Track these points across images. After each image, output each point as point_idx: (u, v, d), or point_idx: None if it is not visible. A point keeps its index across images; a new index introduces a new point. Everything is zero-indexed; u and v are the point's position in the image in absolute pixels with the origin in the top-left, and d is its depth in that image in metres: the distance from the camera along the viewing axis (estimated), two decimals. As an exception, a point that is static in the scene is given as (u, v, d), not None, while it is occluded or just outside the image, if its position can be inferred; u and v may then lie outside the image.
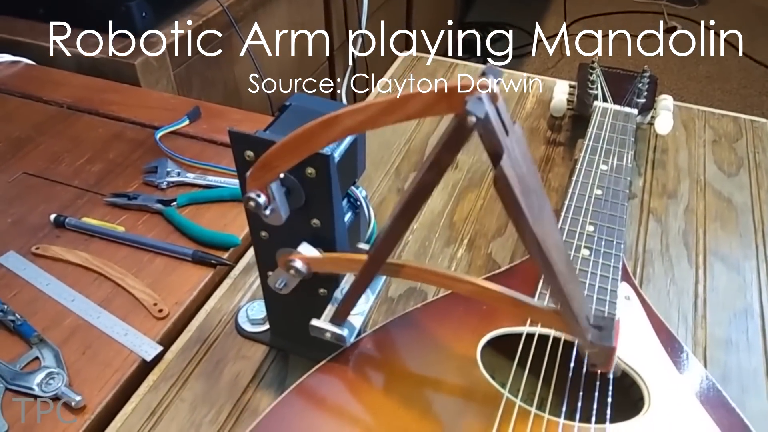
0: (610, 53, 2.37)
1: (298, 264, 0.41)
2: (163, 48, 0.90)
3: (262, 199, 0.39)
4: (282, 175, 0.40)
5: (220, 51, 1.03)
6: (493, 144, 0.32)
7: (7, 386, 0.50)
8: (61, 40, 0.91)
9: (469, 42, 2.46)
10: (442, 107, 0.31)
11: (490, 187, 0.71)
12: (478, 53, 2.42)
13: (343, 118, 0.34)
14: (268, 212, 0.40)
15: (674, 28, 2.55)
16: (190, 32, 0.95)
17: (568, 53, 2.45)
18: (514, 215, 0.33)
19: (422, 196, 0.35)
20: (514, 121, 0.34)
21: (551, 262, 0.34)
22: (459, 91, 0.31)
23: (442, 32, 2.18)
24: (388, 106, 0.32)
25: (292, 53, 1.26)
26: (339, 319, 0.43)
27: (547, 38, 2.55)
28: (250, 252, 0.63)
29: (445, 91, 0.31)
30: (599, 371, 0.39)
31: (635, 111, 0.71)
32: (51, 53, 0.91)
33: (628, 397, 0.45)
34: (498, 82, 0.32)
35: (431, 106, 0.32)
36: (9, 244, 0.63)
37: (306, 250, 0.42)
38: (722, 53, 2.44)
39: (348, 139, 0.42)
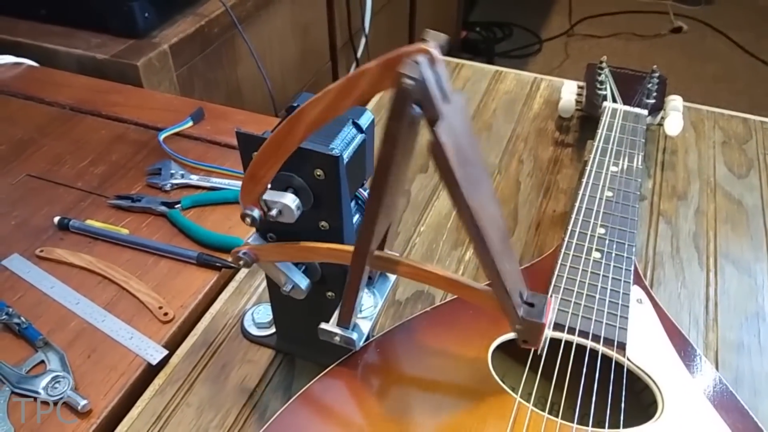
0: (616, 54, 2.37)
1: (245, 253, 0.42)
2: (166, 49, 0.90)
3: (257, 213, 0.39)
4: (286, 176, 0.39)
5: (222, 52, 1.03)
6: (429, 109, 0.31)
7: (13, 390, 0.49)
8: (63, 42, 0.91)
9: (474, 42, 2.45)
10: (388, 80, 0.31)
11: (497, 189, 0.70)
12: (483, 53, 2.41)
13: (305, 112, 0.34)
14: (274, 213, 0.39)
15: (680, 28, 2.54)
16: (192, 33, 0.94)
17: (572, 53, 2.45)
18: (448, 184, 0.32)
19: (384, 171, 0.34)
20: (459, 92, 0.34)
21: (483, 236, 0.34)
22: (399, 59, 0.30)
23: (445, 32, 2.17)
24: (342, 89, 0.32)
25: (295, 53, 1.25)
26: (344, 320, 0.42)
27: (551, 38, 2.54)
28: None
29: (387, 61, 0.30)
30: (529, 347, 0.39)
31: (645, 112, 0.70)
32: (53, 54, 0.90)
33: (641, 402, 0.44)
34: (440, 47, 0.31)
35: (378, 80, 0.31)
36: (13, 247, 0.62)
37: (253, 240, 0.43)
38: (729, 53, 2.43)
39: (357, 140, 0.42)
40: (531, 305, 0.38)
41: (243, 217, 0.39)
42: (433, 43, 0.31)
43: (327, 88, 0.33)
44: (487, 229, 0.34)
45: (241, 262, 0.43)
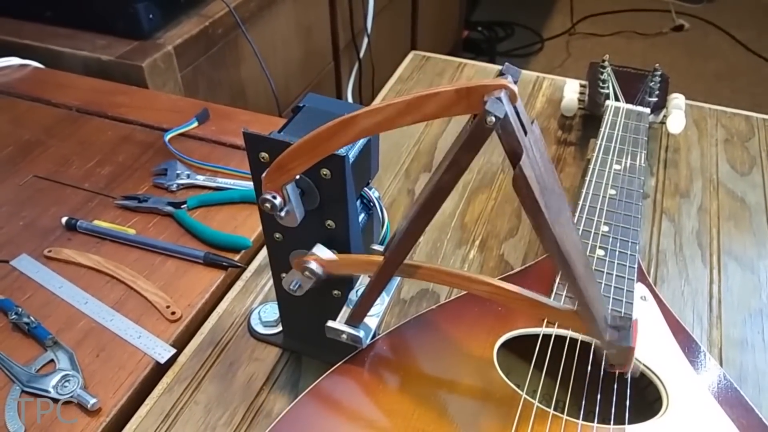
0: (618, 52, 2.37)
1: (313, 266, 0.41)
2: (170, 50, 0.90)
3: (278, 201, 0.39)
4: (297, 177, 0.40)
5: (226, 52, 1.03)
6: (512, 144, 0.31)
7: (23, 388, 0.50)
8: (69, 43, 0.91)
9: (476, 41, 2.46)
10: (460, 107, 0.31)
11: (501, 188, 0.70)
12: (485, 52, 2.42)
13: (359, 119, 0.33)
14: (283, 213, 0.39)
15: (682, 26, 2.53)
16: (196, 34, 0.95)
17: (574, 52, 2.45)
18: (533, 216, 0.32)
19: (440, 197, 0.35)
20: (533, 121, 0.34)
21: (570, 263, 0.34)
22: (478, 91, 0.31)
23: (447, 31, 2.17)
24: (406, 107, 0.32)
25: (298, 54, 1.26)
26: (355, 320, 0.43)
27: (553, 37, 2.54)
28: (262, 254, 0.63)
29: (465, 91, 0.31)
30: (618, 371, 0.39)
31: (648, 110, 0.70)
32: (59, 56, 0.91)
33: (646, 398, 0.45)
34: (516, 82, 0.32)
35: (450, 106, 0.32)
36: (21, 247, 0.63)
37: (321, 251, 0.42)
38: (731, 51, 2.43)
39: (362, 140, 0.42)
40: (617, 329, 0.38)
41: (263, 201, 0.39)
42: (511, 77, 0.31)
43: (390, 101, 0.33)
44: (573, 256, 0.34)
45: (307, 273, 0.41)
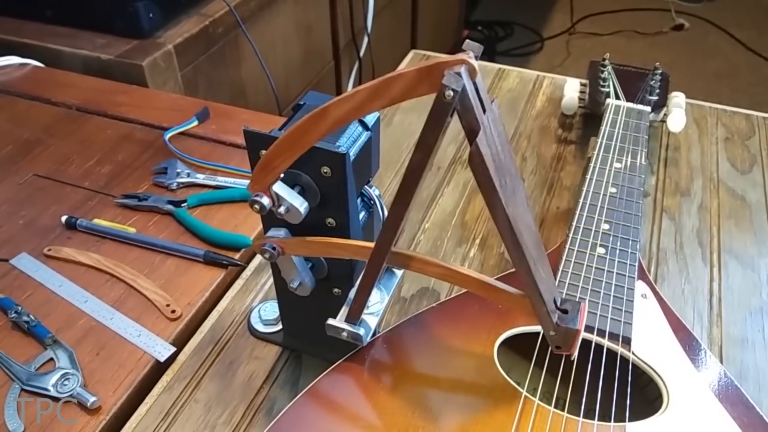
0: (618, 51, 2.37)
1: (271, 246, 0.42)
2: (170, 49, 0.90)
3: (266, 201, 0.39)
4: (293, 174, 0.40)
5: (226, 51, 1.03)
6: (469, 120, 0.31)
7: (23, 387, 0.50)
8: (69, 42, 0.91)
9: (476, 40, 2.44)
10: (424, 87, 0.31)
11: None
12: (485, 52, 2.41)
13: (331, 109, 0.34)
14: (283, 210, 0.39)
15: (682, 26, 2.53)
16: (196, 33, 0.95)
17: (574, 52, 2.45)
18: (487, 194, 0.33)
19: (413, 179, 0.35)
20: (493, 100, 0.34)
21: (521, 243, 0.34)
22: (438, 67, 0.30)
23: (447, 31, 2.17)
24: (373, 91, 0.32)
25: (298, 53, 1.26)
26: (353, 316, 0.43)
27: (553, 36, 2.54)
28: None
29: (426, 69, 0.31)
30: (564, 354, 0.39)
31: (648, 108, 0.70)
32: (58, 55, 0.91)
33: (646, 396, 0.45)
34: (477, 57, 0.32)
35: (413, 86, 0.32)
36: (21, 246, 0.63)
37: (277, 233, 0.42)
38: (731, 51, 2.43)
39: (363, 138, 0.42)
40: (565, 311, 0.38)
41: (252, 203, 0.39)
42: (472, 53, 0.31)
43: (357, 88, 0.33)
44: (524, 236, 0.34)
45: (267, 255, 0.42)
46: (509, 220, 0.33)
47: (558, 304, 0.39)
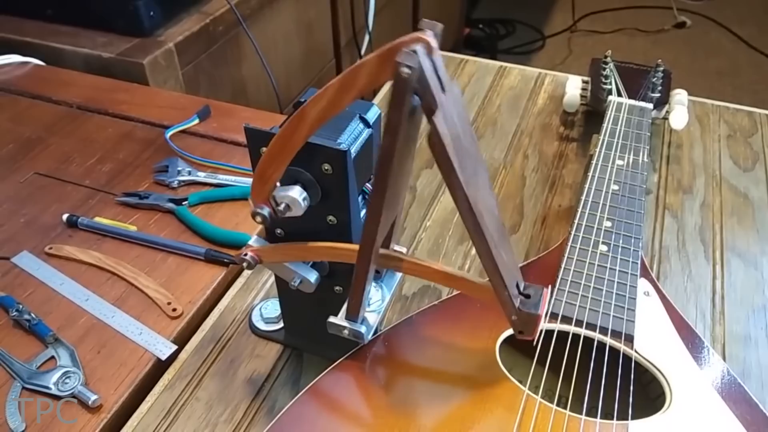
0: (619, 49, 2.36)
1: (249, 256, 0.42)
2: (171, 47, 0.90)
3: (266, 211, 0.39)
4: (294, 170, 0.40)
5: (227, 50, 1.03)
6: (426, 98, 0.31)
7: (24, 385, 0.50)
8: (70, 41, 0.91)
9: (477, 38, 2.45)
10: (386, 72, 0.31)
11: (503, 184, 0.70)
12: (486, 50, 2.41)
13: (308, 110, 0.34)
14: (283, 208, 0.39)
15: (684, 23, 2.53)
16: (197, 31, 0.95)
17: (576, 50, 2.44)
18: (446, 174, 0.33)
19: (385, 164, 0.34)
20: (453, 80, 0.34)
21: (481, 225, 0.34)
22: (397, 48, 0.30)
23: (448, 29, 2.17)
24: (341, 85, 0.32)
25: (299, 51, 1.25)
26: (352, 314, 0.43)
27: (555, 34, 2.53)
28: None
29: (386, 52, 0.30)
30: (524, 338, 0.39)
31: (650, 105, 0.70)
32: (59, 54, 0.91)
33: (649, 394, 0.44)
34: (435, 36, 0.31)
35: (378, 73, 0.31)
36: (22, 244, 0.62)
37: (255, 242, 0.43)
38: (733, 48, 2.42)
39: (364, 135, 0.42)
40: (527, 296, 0.39)
41: (254, 215, 0.39)
42: (430, 32, 0.31)
43: (326, 85, 0.33)
44: (485, 219, 0.34)
45: (245, 264, 0.43)
46: (469, 202, 0.33)
47: (521, 288, 0.39)
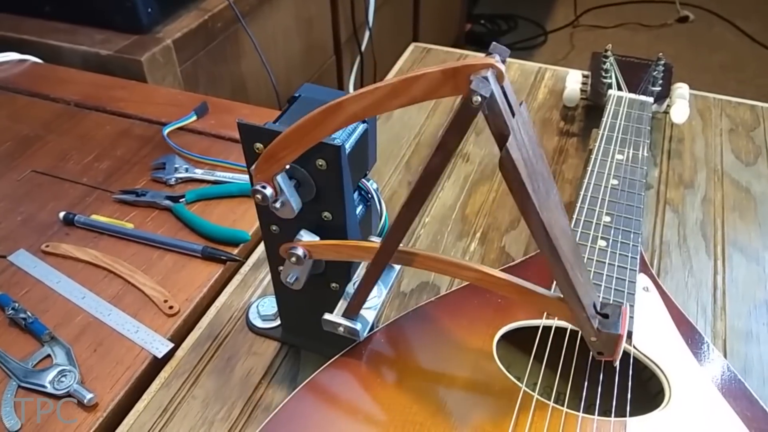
0: (622, 44, 2.35)
1: (299, 251, 0.41)
2: (169, 44, 0.90)
3: (269, 191, 0.38)
4: (288, 167, 0.39)
5: (226, 46, 1.03)
6: (498, 125, 0.31)
7: (19, 384, 0.50)
8: (67, 38, 0.91)
9: (478, 34, 2.44)
10: (447, 88, 0.31)
11: (503, 180, 0.70)
12: (488, 45, 2.40)
13: (347, 103, 0.33)
14: (278, 205, 0.39)
15: (687, 18, 2.51)
16: (195, 27, 0.94)
17: (578, 44, 2.43)
18: (520, 199, 0.32)
19: (430, 181, 0.34)
20: (521, 103, 0.33)
21: (557, 248, 0.33)
22: (464, 71, 0.30)
23: (450, 25, 2.16)
24: (393, 89, 0.32)
25: (299, 48, 1.25)
26: (352, 312, 0.42)
27: (557, 29, 2.52)
28: (260, 248, 0.62)
29: (451, 71, 0.30)
30: (605, 360, 0.38)
31: (650, 99, 0.69)
32: (57, 51, 0.91)
33: (648, 390, 0.44)
34: (504, 61, 0.31)
35: (437, 87, 0.31)
36: (19, 242, 0.62)
37: (307, 236, 0.41)
38: (736, 42, 2.41)
39: (359, 130, 0.42)
40: (605, 316, 0.37)
41: (254, 192, 0.38)
42: (498, 57, 0.30)
43: (376, 85, 0.32)
44: (560, 241, 0.33)
45: (293, 259, 0.41)
46: (544, 226, 0.32)
47: (598, 308, 0.37)
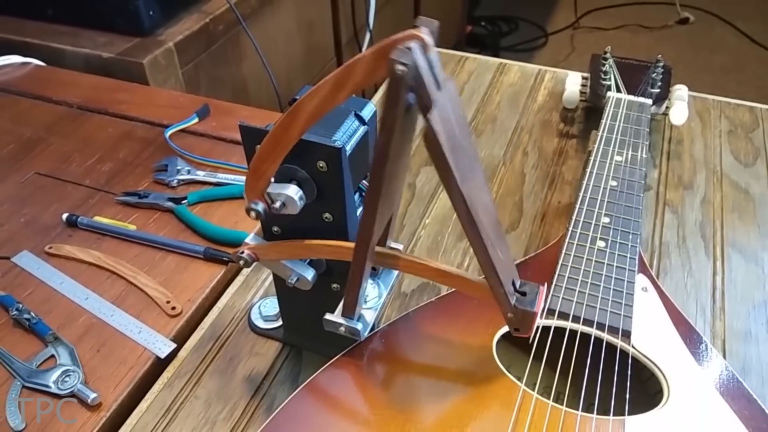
0: (622, 46, 2.35)
1: (245, 254, 0.43)
2: (171, 46, 0.90)
3: (261, 207, 0.39)
4: (287, 167, 0.40)
5: (227, 49, 1.03)
6: (422, 96, 0.31)
7: (24, 384, 0.50)
8: (70, 41, 0.92)
9: (479, 36, 2.45)
10: (382, 68, 0.31)
11: (503, 181, 0.70)
12: (489, 47, 2.41)
13: (303, 105, 0.34)
14: (278, 206, 0.39)
15: (687, 19, 2.52)
16: (197, 30, 0.95)
17: (579, 46, 2.44)
18: (441, 171, 0.33)
19: (381, 162, 0.34)
20: (450, 79, 0.33)
21: (477, 223, 0.34)
22: (392, 45, 0.30)
23: (450, 27, 2.17)
24: (337, 81, 0.32)
25: (300, 50, 1.25)
26: (348, 311, 0.43)
27: (557, 31, 2.53)
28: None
29: (380, 49, 0.30)
30: (520, 336, 0.39)
31: (649, 101, 0.70)
32: (60, 54, 0.91)
33: (647, 390, 0.44)
34: (432, 33, 0.31)
35: (374, 70, 0.31)
36: (22, 244, 0.63)
37: (252, 240, 0.43)
38: (737, 44, 2.41)
39: (359, 132, 0.42)
40: (523, 294, 0.39)
41: (248, 211, 0.39)
42: (425, 29, 0.31)
43: (322, 81, 0.33)
44: (480, 216, 0.34)
45: (242, 263, 0.43)
46: (464, 200, 0.33)
47: (517, 286, 0.39)
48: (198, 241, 0.62)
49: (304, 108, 0.34)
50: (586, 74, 0.78)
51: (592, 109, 0.78)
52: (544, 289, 0.39)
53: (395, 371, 0.43)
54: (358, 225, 0.38)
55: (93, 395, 0.49)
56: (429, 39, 0.30)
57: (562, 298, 0.47)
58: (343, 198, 0.40)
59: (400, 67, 0.30)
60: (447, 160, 0.32)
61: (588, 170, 0.59)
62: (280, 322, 0.54)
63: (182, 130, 0.77)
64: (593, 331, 0.45)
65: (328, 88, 0.33)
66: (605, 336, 0.45)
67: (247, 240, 0.44)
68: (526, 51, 2.44)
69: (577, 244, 0.51)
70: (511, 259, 0.39)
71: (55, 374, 0.50)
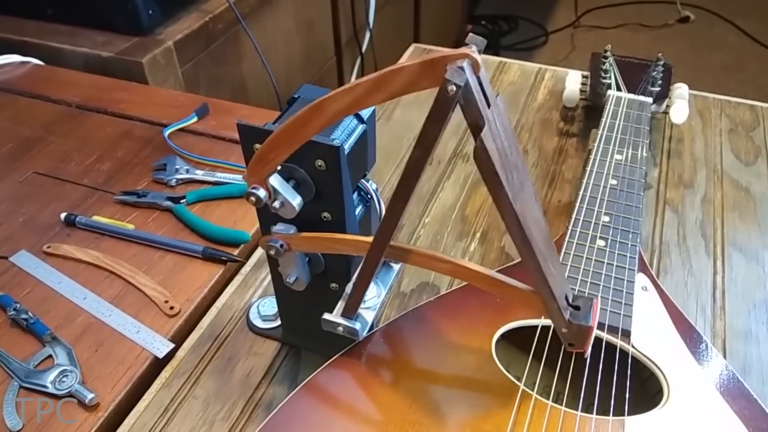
0: (623, 44, 2.35)
1: (278, 243, 0.41)
2: (170, 45, 0.90)
3: (262, 193, 0.38)
4: (287, 167, 0.39)
5: (227, 48, 1.03)
6: (473, 115, 0.31)
7: (21, 384, 0.50)
8: (69, 40, 0.91)
9: (479, 35, 2.43)
10: (426, 81, 0.31)
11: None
12: (489, 46, 2.40)
13: (330, 101, 0.33)
14: (277, 205, 0.39)
15: (687, 18, 2.51)
16: (196, 29, 0.94)
17: (579, 45, 2.43)
18: (493, 190, 0.32)
19: (414, 173, 0.34)
20: (497, 95, 0.33)
21: (530, 239, 0.34)
22: (441, 62, 0.30)
23: (450, 26, 2.16)
24: (374, 84, 0.32)
25: (300, 49, 1.25)
26: (350, 310, 0.42)
27: (558, 30, 2.52)
28: (261, 248, 0.62)
29: (429, 63, 0.30)
30: (576, 351, 0.39)
31: (650, 100, 0.69)
32: (59, 53, 0.91)
33: (647, 390, 0.44)
34: (480, 51, 0.31)
35: (416, 80, 0.31)
36: (20, 243, 0.63)
37: (284, 228, 0.42)
38: (737, 42, 2.41)
39: (358, 131, 0.42)
40: (577, 308, 0.38)
41: (247, 195, 0.39)
42: (475, 47, 0.31)
43: (357, 81, 0.32)
44: (533, 232, 0.34)
45: (272, 251, 0.42)
46: (517, 217, 0.33)
47: (570, 300, 0.38)
48: (196, 241, 0.62)
49: (329, 106, 0.33)
50: (586, 73, 0.77)
51: (592, 107, 0.78)
52: (597, 302, 0.38)
53: (394, 371, 0.43)
54: (378, 228, 0.38)
55: (90, 395, 0.48)
56: (479, 58, 0.30)
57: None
58: (341, 197, 0.40)
59: (453, 88, 0.29)
60: (499, 178, 0.31)
61: (588, 169, 0.59)
62: (278, 322, 0.54)
63: (181, 129, 0.77)
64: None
65: (362, 90, 0.32)
66: (605, 335, 0.45)
67: (277, 228, 0.42)
68: (527, 50, 2.43)
69: (577, 243, 0.51)
70: (563, 274, 0.38)
71: (53, 374, 0.50)
